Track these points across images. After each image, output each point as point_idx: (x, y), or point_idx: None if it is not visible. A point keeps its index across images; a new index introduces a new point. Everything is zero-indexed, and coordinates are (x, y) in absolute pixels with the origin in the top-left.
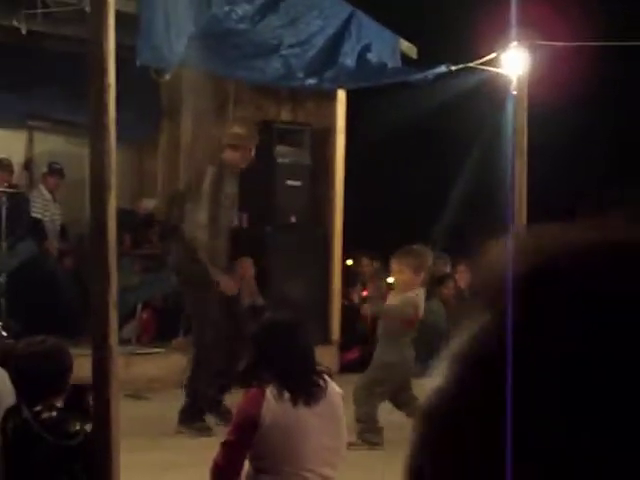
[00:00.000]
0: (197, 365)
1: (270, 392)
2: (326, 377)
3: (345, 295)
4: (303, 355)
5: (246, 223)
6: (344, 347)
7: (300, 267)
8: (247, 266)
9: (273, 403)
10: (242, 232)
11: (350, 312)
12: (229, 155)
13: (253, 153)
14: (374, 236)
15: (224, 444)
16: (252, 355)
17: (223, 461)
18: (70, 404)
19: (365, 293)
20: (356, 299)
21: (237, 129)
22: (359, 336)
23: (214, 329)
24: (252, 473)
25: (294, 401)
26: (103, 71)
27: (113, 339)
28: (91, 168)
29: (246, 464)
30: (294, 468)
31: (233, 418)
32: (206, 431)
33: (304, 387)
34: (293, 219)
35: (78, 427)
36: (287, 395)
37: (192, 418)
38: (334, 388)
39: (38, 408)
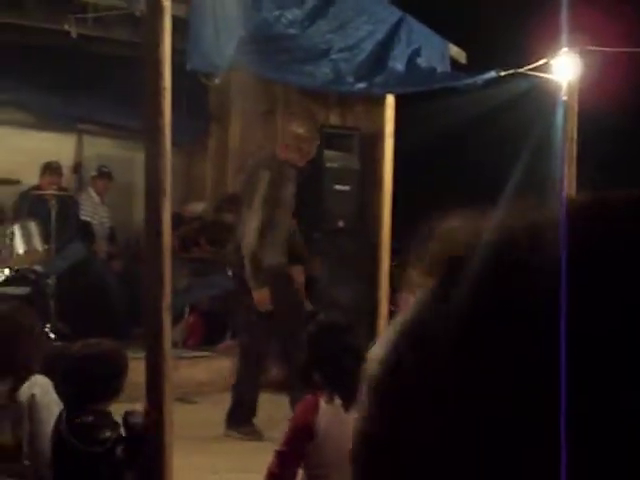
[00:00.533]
0: (243, 368)
1: (323, 399)
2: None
3: (392, 300)
4: (355, 358)
5: (295, 227)
6: None
7: (348, 272)
8: (297, 273)
9: (326, 410)
10: (291, 237)
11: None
12: (287, 154)
13: (313, 153)
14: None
15: (278, 453)
16: (305, 357)
17: (277, 470)
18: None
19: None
20: (402, 304)
21: (296, 127)
22: None
23: (256, 333)
24: None
25: (346, 407)
26: (159, 74)
27: (167, 343)
28: (146, 172)
29: (300, 472)
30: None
31: (288, 426)
32: (254, 435)
33: (355, 392)
34: (341, 224)
35: (108, 434)
36: (339, 401)
37: (239, 421)
38: None
39: (76, 413)
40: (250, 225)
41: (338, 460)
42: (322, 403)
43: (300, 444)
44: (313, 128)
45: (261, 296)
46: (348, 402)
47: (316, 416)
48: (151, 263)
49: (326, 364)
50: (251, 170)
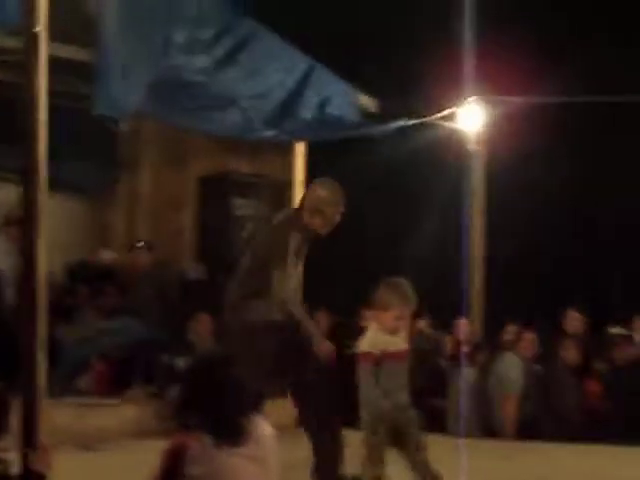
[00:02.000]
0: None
1: (195, 436)
2: (256, 418)
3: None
4: (228, 393)
5: (203, 275)
6: None
7: None
8: (204, 321)
9: (198, 448)
10: (200, 285)
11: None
12: (310, 219)
13: (337, 218)
14: (333, 292)
15: None
16: (180, 394)
17: None
18: None
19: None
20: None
21: (320, 191)
22: None
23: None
24: None
25: (218, 444)
26: (34, 108)
27: (40, 380)
28: (23, 209)
29: None
30: None
31: (159, 465)
32: None
33: (228, 428)
34: None
35: None
36: (211, 438)
37: None
38: (264, 429)
39: None
40: (287, 284)
41: None
42: (194, 440)
43: None
44: (338, 194)
45: (328, 347)
46: (220, 439)
47: (185, 455)
48: (24, 302)
49: (200, 401)
50: (279, 229)
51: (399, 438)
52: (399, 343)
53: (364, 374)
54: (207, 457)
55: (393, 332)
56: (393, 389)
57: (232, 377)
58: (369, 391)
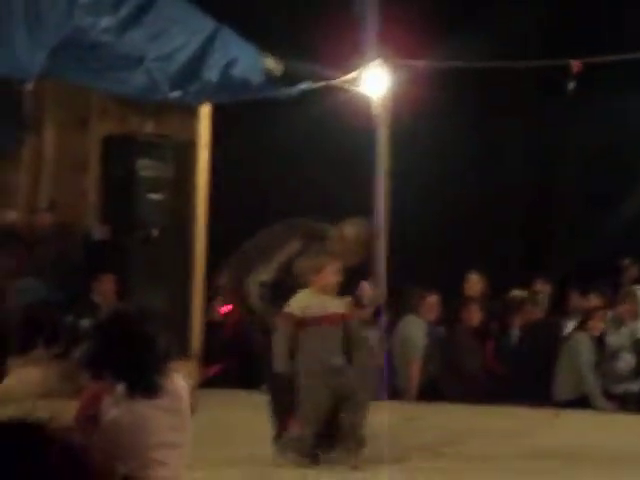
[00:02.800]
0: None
1: (109, 386)
2: (172, 370)
3: (206, 309)
4: (142, 347)
5: (107, 236)
6: (205, 362)
7: (162, 281)
8: (108, 282)
9: (110, 399)
10: (104, 245)
11: (212, 326)
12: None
13: (361, 258)
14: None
15: None
16: (94, 346)
17: None
18: None
19: (226, 308)
20: (217, 313)
21: (348, 229)
22: (221, 351)
23: None
24: None
25: (131, 394)
26: None
27: None
28: None
29: None
30: (131, 465)
31: (75, 413)
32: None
33: (142, 379)
34: (155, 233)
35: None
36: (124, 388)
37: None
38: (178, 383)
39: None
40: (260, 276)
41: (119, 449)
42: (107, 390)
43: (84, 433)
44: (363, 235)
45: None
46: (133, 389)
47: (99, 404)
48: None
49: (113, 353)
50: (287, 231)
51: (338, 400)
52: (331, 307)
53: (278, 334)
54: (119, 405)
55: (329, 291)
56: (324, 352)
57: (145, 332)
58: (278, 349)
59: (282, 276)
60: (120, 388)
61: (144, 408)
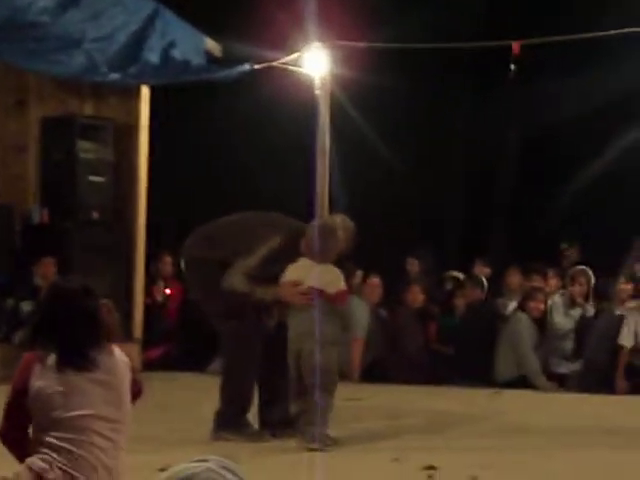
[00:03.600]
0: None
1: (41, 356)
2: (112, 346)
3: (148, 293)
4: (78, 320)
5: (47, 219)
6: (147, 345)
7: (102, 264)
8: (49, 265)
9: (40, 368)
10: (43, 228)
11: (153, 310)
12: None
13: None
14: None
15: (4, 414)
16: (35, 318)
17: (3, 431)
18: None
19: (168, 291)
20: (159, 297)
21: (335, 219)
22: (163, 334)
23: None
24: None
25: (60, 365)
26: None
27: None
28: None
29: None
30: (57, 437)
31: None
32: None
33: (73, 351)
34: (96, 215)
35: None
36: (53, 359)
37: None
38: (120, 358)
39: None
40: (244, 263)
41: (47, 419)
42: (38, 360)
43: (19, 402)
44: (351, 233)
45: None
46: (64, 362)
47: (30, 373)
48: None
49: (52, 326)
50: (268, 227)
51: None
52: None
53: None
54: (47, 375)
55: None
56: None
57: (83, 305)
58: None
59: (262, 267)
60: (51, 358)
61: (74, 379)
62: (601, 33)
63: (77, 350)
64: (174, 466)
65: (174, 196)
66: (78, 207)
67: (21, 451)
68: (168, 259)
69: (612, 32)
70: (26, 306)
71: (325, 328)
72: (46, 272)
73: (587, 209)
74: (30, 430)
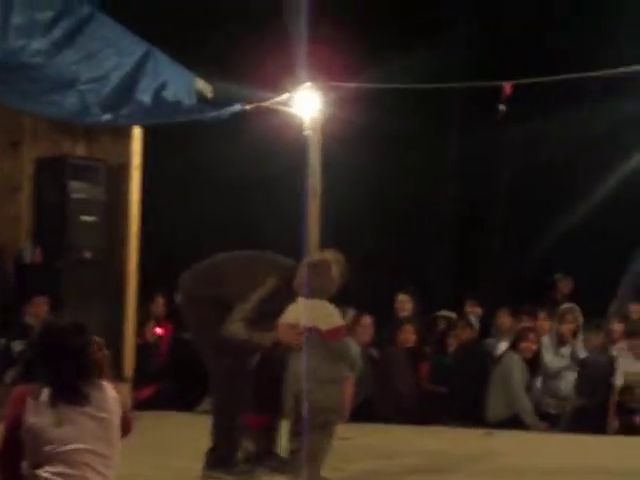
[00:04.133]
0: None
1: (35, 389)
2: (100, 382)
3: (139, 333)
4: (70, 355)
5: (39, 258)
6: (137, 385)
7: (94, 303)
8: (41, 304)
9: (33, 403)
10: (36, 268)
11: (144, 349)
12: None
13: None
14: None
15: None
16: (30, 352)
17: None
18: None
19: (159, 331)
20: (150, 337)
21: (326, 255)
22: (153, 374)
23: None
24: None
25: (52, 401)
26: None
27: None
28: None
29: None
30: (52, 472)
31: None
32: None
33: (64, 389)
34: (88, 255)
35: None
36: (46, 394)
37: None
38: (110, 393)
39: None
40: (240, 313)
41: (38, 453)
42: (31, 394)
43: (13, 434)
44: (343, 265)
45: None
46: (56, 396)
47: (23, 407)
48: None
49: (44, 362)
50: (264, 267)
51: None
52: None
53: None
54: (40, 409)
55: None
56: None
57: (74, 341)
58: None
59: (259, 309)
60: (45, 393)
61: (67, 413)
62: (593, 73)
63: (69, 385)
64: None
65: (166, 236)
66: (70, 247)
67: None
68: (160, 300)
69: (606, 72)
70: (17, 346)
71: (323, 366)
72: (38, 311)
73: (577, 246)
74: (24, 466)
